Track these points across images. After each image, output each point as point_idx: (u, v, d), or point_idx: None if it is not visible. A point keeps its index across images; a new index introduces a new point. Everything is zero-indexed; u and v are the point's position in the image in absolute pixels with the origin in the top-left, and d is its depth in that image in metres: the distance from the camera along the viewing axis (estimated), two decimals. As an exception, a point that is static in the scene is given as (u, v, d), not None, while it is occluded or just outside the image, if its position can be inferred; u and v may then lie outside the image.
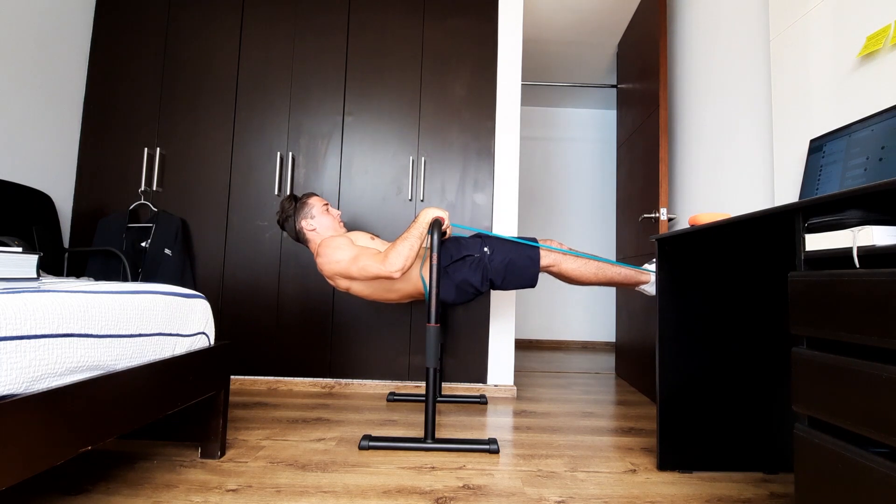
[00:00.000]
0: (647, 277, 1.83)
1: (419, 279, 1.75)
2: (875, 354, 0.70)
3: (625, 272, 1.83)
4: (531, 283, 1.79)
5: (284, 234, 2.28)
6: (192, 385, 1.22)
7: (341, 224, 1.89)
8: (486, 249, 1.76)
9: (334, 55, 2.36)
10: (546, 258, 1.78)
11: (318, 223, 1.82)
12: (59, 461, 0.81)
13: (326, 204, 1.87)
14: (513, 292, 2.32)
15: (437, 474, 1.31)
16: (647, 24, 2.49)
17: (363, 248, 1.72)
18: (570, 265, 1.80)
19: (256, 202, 2.30)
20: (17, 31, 2.01)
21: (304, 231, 1.82)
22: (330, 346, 2.26)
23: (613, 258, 4.30)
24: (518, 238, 1.81)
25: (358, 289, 1.78)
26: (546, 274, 1.84)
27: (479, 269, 1.74)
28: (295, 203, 1.84)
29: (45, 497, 1.11)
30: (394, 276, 1.62)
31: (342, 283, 1.76)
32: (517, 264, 1.75)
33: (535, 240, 1.82)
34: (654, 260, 1.84)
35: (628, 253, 2.75)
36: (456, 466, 1.37)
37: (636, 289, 1.86)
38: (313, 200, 1.84)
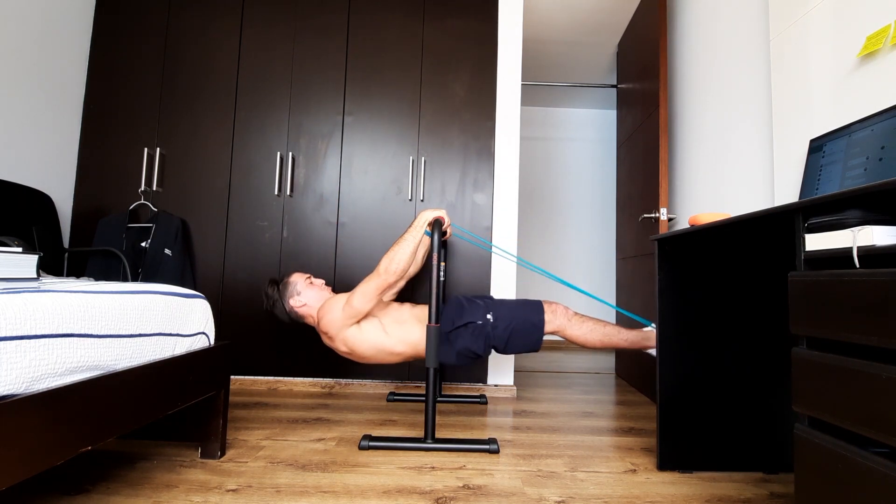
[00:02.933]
0: (654, 341, 1.77)
1: (421, 342, 1.72)
2: (875, 354, 0.70)
3: (631, 339, 1.78)
4: (535, 347, 1.76)
5: (285, 233, 2.28)
6: (192, 385, 1.22)
7: (328, 289, 1.86)
8: (489, 317, 1.73)
9: (334, 55, 2.36)
10: (551, 325, 1.75)
11: (307, 297, 1.78)
12: (59, 461, 0.81)
13: (308, 276, 1.84)
14: (512, 291, 2.32)
15: (437, 474, 1.31)
16: (647, 24, 2.49)
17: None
18: (575, 332, 1.77)
19: (256, 202, 2.30)
20: (17, 31, 2.01)
21: (296, 310, 1.78)
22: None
23: (613, 253, 4.30)
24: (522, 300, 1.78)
25: (361, 351, 1.71)
26: (551, 314, 1.79)
27: (481, 336, 1.71)
28: (277, 286, 1.81)
29: (45, 497, 1.11)
30: (391, 281, 1.61)
31: (348, 342, 1.70)
32: (521, 332, 1.72)
33: (540, 304, 1.78)
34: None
35: (628, 253, 2.75)
36: (456, 466, 1.37)
37: (645, 352, 1.82)
38: (294, 277, 1.81)
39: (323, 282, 1.87)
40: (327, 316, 1.68)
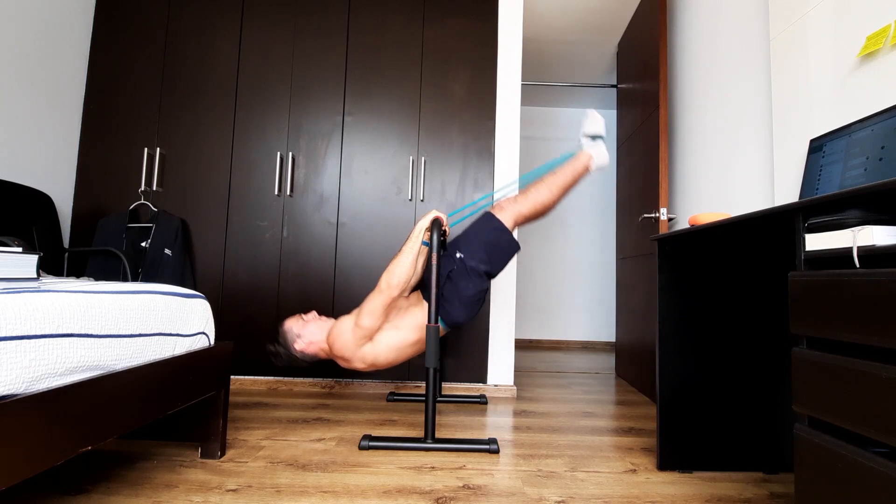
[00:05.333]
0: (586, 158, 1.82)
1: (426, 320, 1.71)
2: (875, 354, 0.70)
3: (568, 171, 1.81)
4: (515, 247, 1.78)
5: (285, 233, 2.29)
6: (192, 385, 1.22)
7: (322, 318, 1.84)
8: (458, 255, 1.73)
9: (334, 55, 2.36)
10: (508, 220, 1.76)
11: (308, 335, 1.76)
12: (59, 461, 0.81)
13: (299, 315, 1.83)
14: (512, 291, 2.32)
15: (437, 474, 1.31)
16: (647, 24, 2.49)
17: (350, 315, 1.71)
18: (528, 205, 1.78)
19: (256, 202, 2.30)
20: (17, 32, 2.01)
21: (305, 351, 1.76)
22: (330, 346, 2.26)
23: (613, 253, 4.31)
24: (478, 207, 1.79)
25: (382, 360, 1.70)
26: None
27: (466, 273, 1.71)
28: (278, 342, 1.79)
29: (45, 497, 1.11)
30: (394, 295, 1.61)
31: (367, 358, 1.68)
32: (493, 242, 1.73)
33: (488, 213, 1.78)
34: (584, 135, 1.89)
35: (628, 253, 2.75)
36: (456, 466, 1.37)
37: (593, 171, 1.85)
38: (287, 325, 1.80)
39: (314, 313, 1.85)
40: (338, 341, 1.66)
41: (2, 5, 1.93)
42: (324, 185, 2.32)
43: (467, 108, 2.35)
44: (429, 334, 1.54)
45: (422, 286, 1.79)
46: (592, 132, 1.90)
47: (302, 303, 2.26)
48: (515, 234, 1.83)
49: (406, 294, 1.80)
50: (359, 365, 1.69)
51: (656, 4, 2.33)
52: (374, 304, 1.62)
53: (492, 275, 1.76)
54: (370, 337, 1.66)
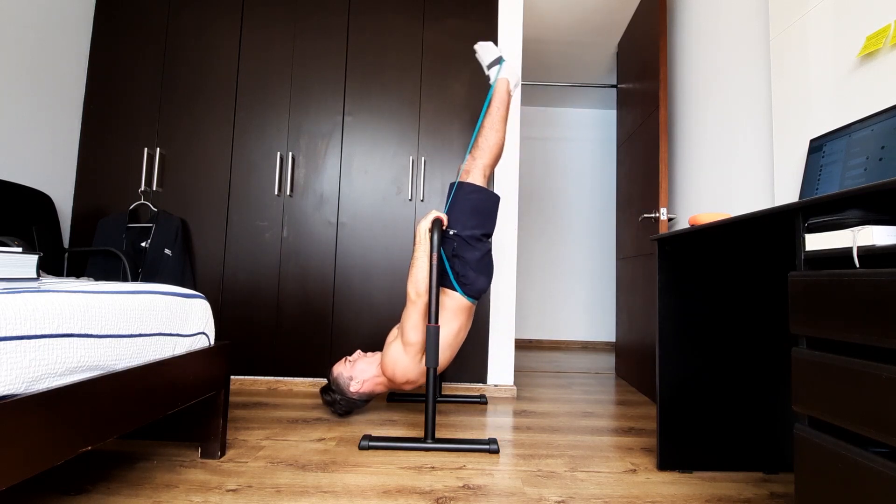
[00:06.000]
0: (504, 85, 1.84)
1: (463, 299, 1.72)
2: (875, 354, 0.70)
3: (496, 103, 1.83)
4: (496, 199, 1.80)
5: (285, 233, 2.29)
6: (192, 385, 1.22)
7: (367, 354, 1.84)
8: (452, 232, 1.73)
9: (334, 55, 2.36)
10: (478, 178, 1.78)
11: (358, 374, 1.75)
12: (59, 461, 0.81)
13: (344, 358, 1.83)
14: (512, 291, 2.32)
15: (437, 474, 1.31)
16: (647, 24, 2.49)
17: (394, 336, 1.73)
18: (486, 154, 1.79)
19: (256, 202, 2.30)
20: (17, 32, 2.01)
21: (361, 391, 1.75)
22: (330, 346, 2.26)
23: (613, 253, 4.31)
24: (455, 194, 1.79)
25: (442, 362, 1.72)
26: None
27: (466, 244, 1.71)
28: (331, 390, 1.78)
29: (45, 497, 1.11)
30: (427, 300, 1.61)
31: (421, 366, 1.70)
32: (475, 206, 1.74)
33: (460, 182, 1.79)
34: (487, 69, 1.92)
35: (628, 253, 2.75)
36: (456, 466, 1.37)
37: (514, 90, 1.89)
38: (337, 370, 1.79)
39: (359, 351, 1.85)
40: (399, 368, 1.66)
41: (2, 5, 1.93)
42: (324, 185, 2.32)
43: (467, 108, 2.35)
44: (429, 334, 1.54)
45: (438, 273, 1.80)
46: (491, 59, 1.92)
47: (302, 303, 2.26)
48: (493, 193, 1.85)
49: None
50: (422, 380, 1.70)
51: (656, 4, 2.33)
52: (413, 318, 1.63)
53: (488, 235, 1.78)
54: (423, 350, 1.65)
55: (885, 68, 1.17)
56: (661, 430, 1.39)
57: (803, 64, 1.44)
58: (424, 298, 1.62)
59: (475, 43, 1.99)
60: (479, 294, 1.74)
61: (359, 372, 1.76)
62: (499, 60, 1.90)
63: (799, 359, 0.82)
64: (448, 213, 1.78)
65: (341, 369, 1.79)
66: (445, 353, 1.72)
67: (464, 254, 1.71)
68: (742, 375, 1.41)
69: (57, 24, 2.19)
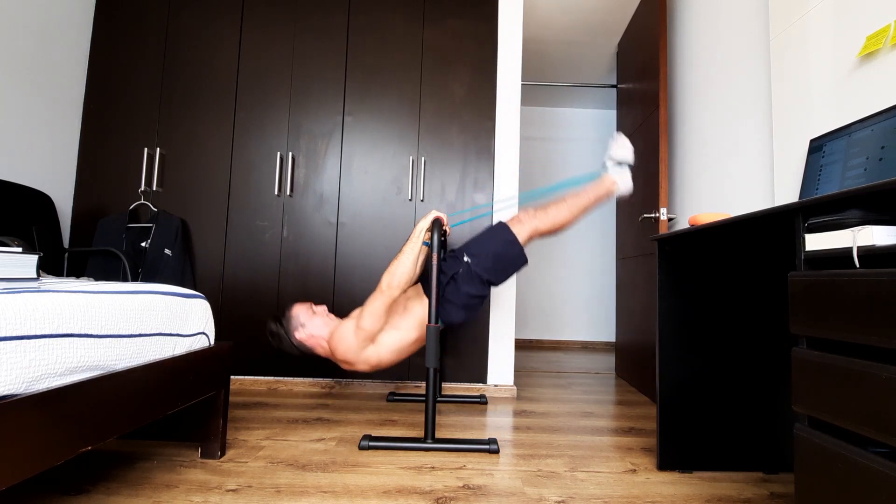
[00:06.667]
0: (610, 182, 1.79)
1: (426, 316, 1.71)
2: (875, 354, 0.70)
3: (591, 194, 1.79)
4: (523, 262, 1.76)
5: (285, 233, 2.29)
6: (192, 385, 1.22)
7: (331, 315, 1.83)
8: (466, 259, 1.72)
9: (334, 55, 2.36)
10: (522, 233, 1.74)
11: (312, 328, 1.75)
12: (59, 461, 0.81)
13: (310, 305, 1.82)
14: (512, 291, 2.32)
15: (437, 474, 1.31)
16: (647, 24, 2.49)
17: (356, 315, 1.70)
18: (547, 223, 1.76)
19: (256, 202, 2.30)
20: (17, 31, 2.01)
21: (304, 342, 1.75)
22: (330, 346, 2.25)
23: (613, 253, 4.31)
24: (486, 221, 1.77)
25: (386, 360, 1.71)
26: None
27: (471, 277, 1.71)
28: (280, 322, 1.78)
29: (45, 497, 1.11)
30: (395, 296, 1.61)
31: (371, 360, 1.68)
32: (501, 253, 1.72)
33: (503, 224, 1.77)
34: (608, 161, 1.84)
35: (628, 253, 2.75)
36: (456, 466, 1.37)
37: (614, 197, 1.83)
38: (296, 310, 1.79)
39: (325, 308, 1.84)
40: (341, 345, 1.66)
41: (2, 5, 1.93)
42: (324, 185, 2.32)
43: (467, 108, 2.35)
44: (429, 334, 1.54)
45: (422, 279, 1.79)
46: (620, 158, 1.87)
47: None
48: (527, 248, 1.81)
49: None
50: (362, 367, 1.69)
51: (656, 4, 2.33)
52: (375, 306, 1.62)
53: (493, 284, 1.76)
54: (373, 339, 1.66)
55: (885, 68, 1.17)
56: (661, 430, 1.39)
57: (803, 64, 1.44)
58: (393, 293, 1.60)
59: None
60: (448, 324, 1.72)
61: (312, 326, 1.75)
62: (625, 164, 1.85)
63: (799, 359, 0.82)
64: (472, 241, 1.77)
65: (300, 312, 1.77)
66: (392, 356, 1.70)
67: (462, 283, 1.70)
68: (742, 375, 1.41)
69: (57, 24, 2.19)
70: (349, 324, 1.68)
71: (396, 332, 1.69)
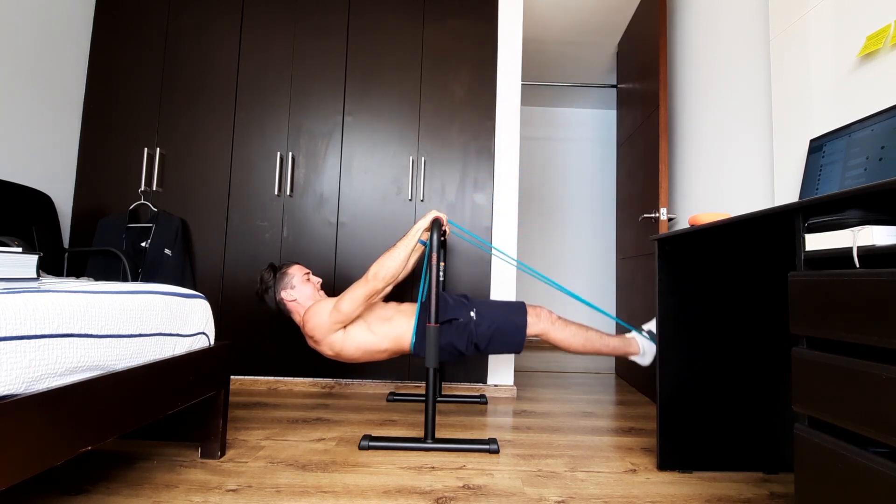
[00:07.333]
0: (636, 349, 1.77)
1: (405, 336, 1.72)
2: (875, 354, 0.70)
3: (613, 345, 1.78)
4: (517, 349, 1.76)
5: (285, 233, 2.28)
6: (192, 385, 1.22)
7: (322, 293, 1.84)
8: (472, 315, 1.72)
9: (334, 55, 2.36)
10: (534, 327, 1.75)
11: (299, 293, 1.75)
12: (59, 461, 0.81)
13: (307, 273, 1.82)
14: (512, 292, 2.32)
15: (437, 474, 1.31)
16: (647, 24, 2.49)
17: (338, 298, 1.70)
18: (559, 335, 1.77)
19: (256, 202, 2.30)
20: (17, 31, 2.01)
21: (285, 302, 1.75)
22: (330, 346, 2.25)
23: (613, 253, 4.30)
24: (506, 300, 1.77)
25: (348, 354, 1.71)
26: (543, 314, 1.81)
27: (464, 333, 1.71)
28: (275, 273, 1.78)
29: (45, 497, 1.11)
30: (379, 288, 1.61)
31: (335, 347, 1.68)
32: (504, 331, 1.72)
33: (523, 306, 1.77)
34: (647, 330, 1.78)
35: (628, 253, 2.75)
36: (456, 466, 1.37)
37: (629, 359, 1.81)
38: (294, 270, 1.79)
39: (320, 281, 1.86)
40: (313, 320, 1.66)
41: (2, 5, 1.93)
42: (324, 185, 2.32)
43: (467, 108, 2.35)
44: (429, 334, 1.54)
45: (421, 310, 1.77)
46: (652, 335, 1.82)
47: (302, 303, 2.26)
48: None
49: (388, 290, 1.74)
50: (326, 350, 1.70)
51: (656, 4, 2.33)
52: (356, 292, 1.62)
53: (479, 350, 1.75)
54: (344, 324, 1.66)
55: (885, 68, 1.17)
56: (661, 430, 1.39)
57: (803, 64, 1.44)
58: (377, 285, 1.61)
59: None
60: (415, 354, 1.72)
61: (300, 291, 1.76)
62: (653, 338, 1.79)
63: (799, 359, 0.82)
64: (488, 302, 1.78)
65: (296, 273, 1.78)
66: (355, 353, 1.69)
67: (454, 332, 1.70)
68: (742, 375, 1.41)
69: (57, 24, 2.19)
70: (327, 305, 1.68)
71: (370, 335, 1.69)
